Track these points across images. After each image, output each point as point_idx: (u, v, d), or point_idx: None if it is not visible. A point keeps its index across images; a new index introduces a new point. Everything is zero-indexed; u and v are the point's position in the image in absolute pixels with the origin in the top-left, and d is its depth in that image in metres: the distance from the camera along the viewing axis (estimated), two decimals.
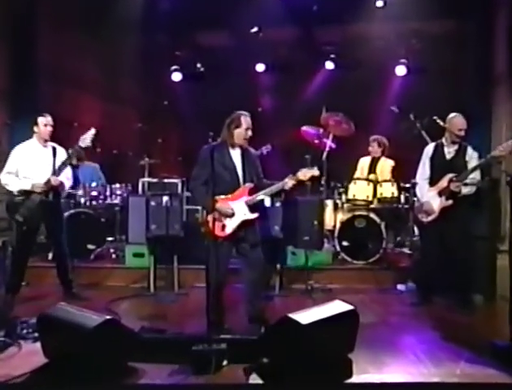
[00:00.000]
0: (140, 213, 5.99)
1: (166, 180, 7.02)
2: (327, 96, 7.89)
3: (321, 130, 6.94)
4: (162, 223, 5.71)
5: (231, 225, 4.10)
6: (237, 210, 4.12)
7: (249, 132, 4.22)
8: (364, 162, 7.02)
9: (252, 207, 4.15)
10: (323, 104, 6.94)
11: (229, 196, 4.13)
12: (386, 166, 6.85)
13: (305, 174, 4.17)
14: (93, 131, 5.00)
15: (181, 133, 8.92)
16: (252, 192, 4.17)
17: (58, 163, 5.09)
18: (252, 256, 4.14)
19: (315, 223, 6.01)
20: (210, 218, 3.98)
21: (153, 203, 5.86)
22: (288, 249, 6.16)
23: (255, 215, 4.15)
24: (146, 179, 7.17)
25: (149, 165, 7.26)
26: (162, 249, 5.83)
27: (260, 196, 4.17)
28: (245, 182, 4.19)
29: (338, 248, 6.36)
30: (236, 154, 4.24)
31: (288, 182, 4.14)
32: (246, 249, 4.15)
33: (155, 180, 7.08)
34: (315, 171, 4.20)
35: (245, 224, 4.13)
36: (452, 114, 5.01)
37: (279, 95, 8.49)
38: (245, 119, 4.20)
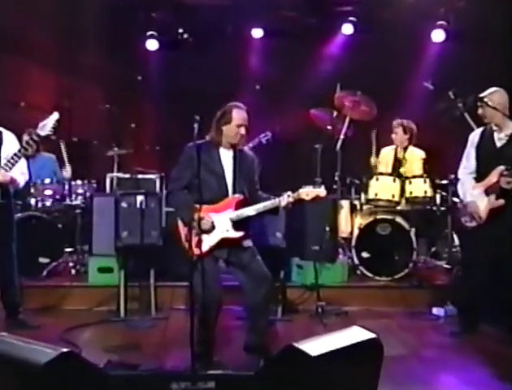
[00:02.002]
0: (107, 217, 5.99)
1: (140, 176, 7.07)
2: (343, 69, 7.91)
3: (335, 113, 6.94)
4: (135, 229, 5.71)
5: (208, 242, 4.10)
6: (219, 224, 4.13)
7: (242, 130, 4.21)
8: (388, 154, 7.02)
9: (237, 224, 4.15)
10: (338, 80, 6.94)
11: (212, 206, 4.13)
12: (415, 157, 6.83)
13: (308, 193, 4.17)
14: (55, 116, 4.97)
15: (159, 116, 8.92)
16: (240, 205, 4.18)
17: (6, 153, 5.03)
18: (254, 268, 4.14)
19: (327, 229, 6.05)
20: (182, 228, 4.10)
21: (124, 204, 5.86)
22: (293, 262, 6.19)
23: (239, 234, 4.16)
24: (115, 174, 7.17)
25: (120, 156, 7.27)
26: (136, 262, 5.84)
27: (247, 212, 4.17)
28: (234, 191, 4.21)
29: (356, 260, 6.38)
30: (226, 157, 4.25)
31: (285, 199, 4.14)
32: (244, 261, 4.15)
33: (127, 176, 7.09)
34: (322, 192, 4.21)
35: (225, 243, 4.15)
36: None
37: (281, 68, 8.48)
38: (238, 113, 4.20)
